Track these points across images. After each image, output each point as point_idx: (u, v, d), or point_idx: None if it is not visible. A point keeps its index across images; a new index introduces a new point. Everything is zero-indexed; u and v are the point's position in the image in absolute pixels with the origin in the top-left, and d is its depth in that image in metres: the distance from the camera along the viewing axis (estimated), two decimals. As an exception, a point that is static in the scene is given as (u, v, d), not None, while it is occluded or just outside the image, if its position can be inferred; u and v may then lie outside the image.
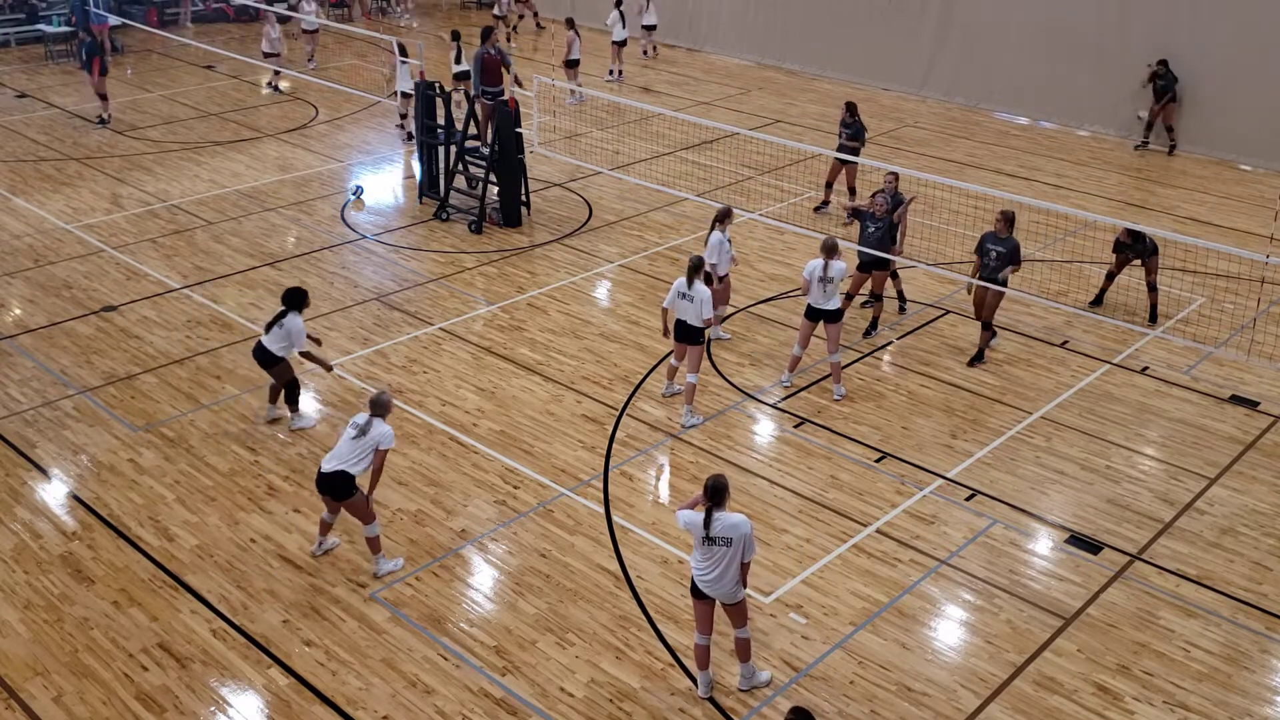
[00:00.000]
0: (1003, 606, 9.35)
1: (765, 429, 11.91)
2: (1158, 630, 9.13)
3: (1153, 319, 14.25)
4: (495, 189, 16.99)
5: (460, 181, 17.55)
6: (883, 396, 12.53)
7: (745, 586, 8.10)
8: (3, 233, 16.51)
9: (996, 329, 13.57)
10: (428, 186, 17.87)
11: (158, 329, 13.68)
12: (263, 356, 11.29)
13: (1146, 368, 13.32)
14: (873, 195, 13.47)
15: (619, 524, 10.26)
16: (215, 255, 15.83)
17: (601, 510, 10.45)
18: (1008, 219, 12.74)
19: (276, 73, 24.33)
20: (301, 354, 11.32)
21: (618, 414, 12.02)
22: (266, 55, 24.07)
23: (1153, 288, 14.24)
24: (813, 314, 12.10)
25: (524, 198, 17.31)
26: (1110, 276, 14.51)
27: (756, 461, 11.25)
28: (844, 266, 12.01)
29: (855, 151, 16.87)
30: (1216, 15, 20.45)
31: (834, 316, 12.06)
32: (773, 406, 12.27)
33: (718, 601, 8.09)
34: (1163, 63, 20.59)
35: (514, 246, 16.37)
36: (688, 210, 17.86)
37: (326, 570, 9.55)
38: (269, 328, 11.25)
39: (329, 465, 9.15)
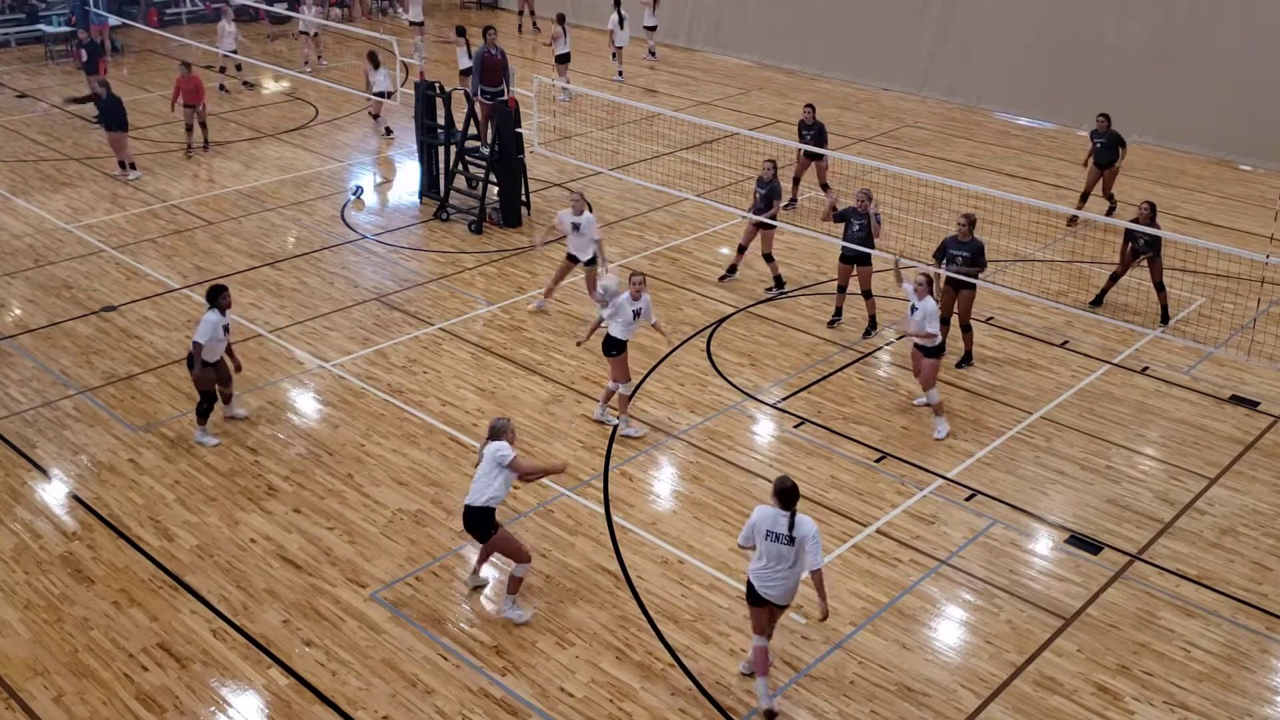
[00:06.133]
0: (1003, 606, 9.35)
1: (765, 429, 11.92)
2: (1158, 630, 9.13)
3: (1165, 319, 14.17)
4: (495, 189, 17.00)
5: (460, 181, 17.56)
6: (883, 396, 12.53)
7: (825, 598, 7.89)
8: (3, 233, 16.52)
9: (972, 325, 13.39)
10: (428, 187, 17.87)
11: (158, 329, 13.68)
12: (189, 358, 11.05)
13: (1146, 368, 13.32)
14: (855, 193, 13.50)
15: (619, 524, 10.26)
16: (215, 255, 15.83)
17: (601, 510, 10.44)
18: (970, 221, 12.62)
19: (222, 69, 24.32)
20: (202, 357, 10.77)
21: (618, 414, 12.01)
22: (225, 55, 23.91)
23: (1160, 287, 14.18)
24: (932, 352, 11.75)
25: (524, 198, 17.32)
26: (1114, 278, 14.45)
27: (756, 461, 11.25)
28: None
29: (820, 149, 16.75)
30: (1216, 15, 20.45)
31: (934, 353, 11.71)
32: (773, 406, 12.27)
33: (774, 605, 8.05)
34: (1104, 117, 16.86)
35: (514, 246, 16.37)
36: (688, 210, 17.86)
37: (326, 570, 9.55)
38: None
39: (467, 500, 8.70)
